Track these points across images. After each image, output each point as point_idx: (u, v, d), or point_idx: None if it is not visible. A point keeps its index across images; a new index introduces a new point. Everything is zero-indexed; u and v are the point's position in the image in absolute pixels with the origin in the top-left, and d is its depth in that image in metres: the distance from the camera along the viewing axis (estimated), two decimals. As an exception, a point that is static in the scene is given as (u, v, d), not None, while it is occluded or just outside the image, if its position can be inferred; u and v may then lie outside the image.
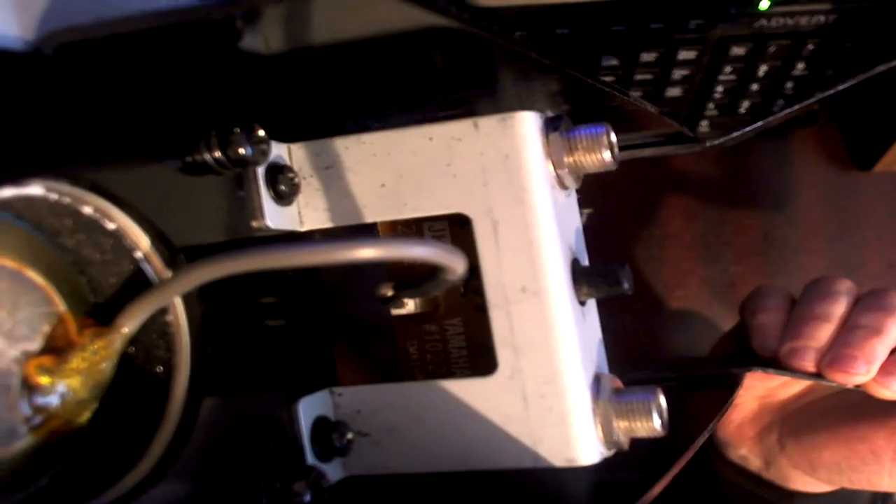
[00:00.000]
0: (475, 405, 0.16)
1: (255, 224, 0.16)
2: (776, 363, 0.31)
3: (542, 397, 0.16)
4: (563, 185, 0.18)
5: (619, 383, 0.18)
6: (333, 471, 0.18)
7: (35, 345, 0.14)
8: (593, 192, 0.25)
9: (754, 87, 0.42)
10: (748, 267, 0.47)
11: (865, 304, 0.31)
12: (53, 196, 0.13)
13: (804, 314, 0.31)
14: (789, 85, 0.42)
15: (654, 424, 0.17)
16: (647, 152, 0.33)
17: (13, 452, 0.13)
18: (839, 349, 0.29)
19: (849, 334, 0.30)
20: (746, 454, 0.37)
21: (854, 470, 0.33)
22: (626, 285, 0.17)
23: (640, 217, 0.47)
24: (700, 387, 0.29)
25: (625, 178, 0.47)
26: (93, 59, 0.14)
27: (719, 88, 0.42)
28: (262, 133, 0.16)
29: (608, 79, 0.41)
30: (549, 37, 0.39)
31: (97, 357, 0.14)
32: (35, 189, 0.13)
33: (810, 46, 0.40)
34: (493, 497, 0.17)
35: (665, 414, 0.17)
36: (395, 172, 0.17)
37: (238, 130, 0.15)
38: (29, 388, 0.13)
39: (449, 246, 0.15)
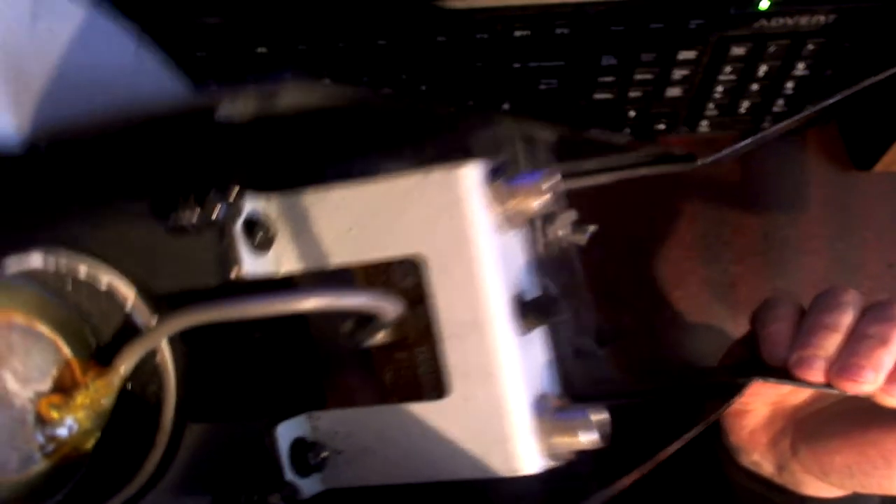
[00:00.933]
0: (434, 425, 0.18)
1: (233, 274, 0.18)
2: (785, 372, 0.31)
3: (489, 417, 0.18)
4: (508, 227, 0.19)
5: (560, 402, 0.20)
6: (312, 484, 0.19)
7: (46, 385, 0.16)
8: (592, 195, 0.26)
9: (754, 87, 0.42)
10: (748, 267, 0.47)
11: (872, 315, 0.31)
12: (51, 267, 0.15)
13: (813, 324, 0.31)
14: (789, 85, 0.42)
15: (591, 440, 0.18)
16: (642, 171, 0.34)
17: (30, 475, 0.15)
18: (847, 359, 0.30)
19: (856, 344, 0.30)
20: (759, 460, 0.37)
21: (865, 474, 0.33)
22: (563, 315, 0.19)
23: (640, 217, 0.47)
24: (711, 396, 0.29)
25: (623, 182, 0.47)
26: (82, 150, 0.15)
27: (719, 88, 0.43)
28: (236, 192, 0.18)
29: (607, 79, 0.42)
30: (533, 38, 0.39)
31: (98, 394, 0.16)
32: (35, 262, 0.15)
33: (810, 46, 0.40)
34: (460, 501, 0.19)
35: (606, 428, 0.19)
36: (357, 220, 0.19)
37: (213, 192, 0.17)
38: (42, 422, 0.16)
39: (379, 294, 0.17)
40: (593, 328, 0.28)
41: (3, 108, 0.14)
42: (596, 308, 0.30)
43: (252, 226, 0.18)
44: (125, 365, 0.16)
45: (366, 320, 0.19)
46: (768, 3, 0.38)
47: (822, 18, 0.39)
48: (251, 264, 0.18)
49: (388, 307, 0.18)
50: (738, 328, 0.46)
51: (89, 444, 0.16)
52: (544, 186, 0.19)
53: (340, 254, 0.19)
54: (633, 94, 0.42)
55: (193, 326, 0.16)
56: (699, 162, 0.30)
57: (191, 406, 0.18)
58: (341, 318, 0.19)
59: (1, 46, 0.15)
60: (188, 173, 0.17)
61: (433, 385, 0.19)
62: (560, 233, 0.27)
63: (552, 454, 0.18)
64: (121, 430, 0.16)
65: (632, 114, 0.44)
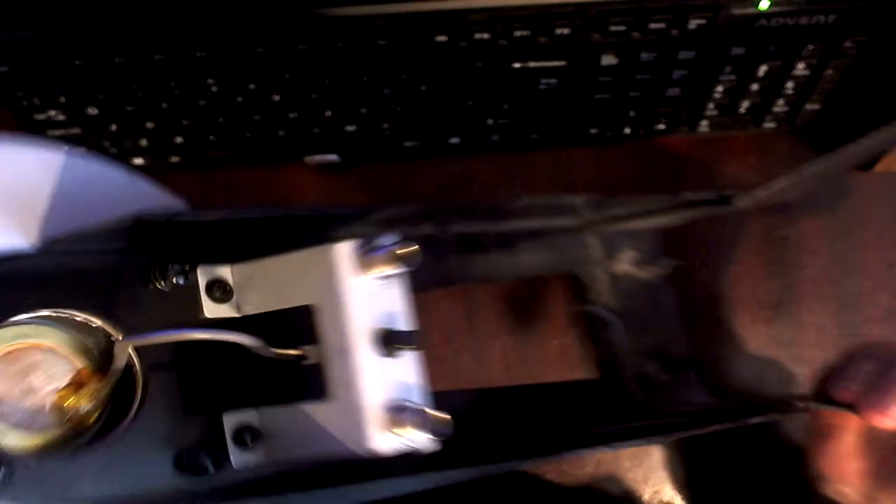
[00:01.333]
0: (323, 420, 0.25)
1: (200, 316, 0.27)
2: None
3: (352, 414, 0.24)
4: (380, 280, 0.26)
5: (416, 407, 0.25)
6: (249, 457, 0.27)
7: (62, 384, 0.24)
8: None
9: (754, 87, 0.42)
10: (748, 267, 0.47)
11: None
12: (56, 315, 0.24)
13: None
14: (789, 85, 0.42)
15: (426, 437, 0.24)
16: (679, 218, 0.36)
17: (53, 438, 0.23)
18: None
19: None
20: (845, 489, 0.36)
21: None
22: (415, 346, 0.25)
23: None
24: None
25: (623, 183, 0.47)
26: (85, 251, 0.25)
27: (719, 88, 0.43)
28: (187, 268, 0.27)
29: (607, 79, 0.42)
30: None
31: (100, 389, 0.24)
32: (45, 313, 0.24)
33: (810, 46, 0.40)
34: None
35: (442, 429, 0.24)
36: (282, 279, 0.27)
37: (172, 268, 0.26)
38: (59, 407, 0.23)
39: (243, 334, 0.25)
40: (670, 354, 0.33)
41: (16, 233, 0.23)
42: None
43: (213, 286, 0.27)
44: (115, 372, 0.24)
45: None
46: (768, 3, 0.38)
47: (822, 18, 0.39)
48: (212, 311, 0.27)
49: (253, 341, 0.25)
50: (740, 328, 0.46)
51: (92, 419, 0.24)
52: (396, 254, 0.24)
53: (274, 302, 0.27)
54: (633, 94, 0.42)
55: (146, 344, 0.24)
56: (736, 204, 0.33)
57: (158, 397, 0.26)
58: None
59: (21, 193, 0.24)
60: (164, 257, 0.26)
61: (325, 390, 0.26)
62: (626, 268, 0.33)
63: (403, 442, 0.25)
64: (113, 409, 0.25)
65: (632, 114, 0.44)
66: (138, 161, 0.46)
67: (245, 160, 0.46)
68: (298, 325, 0.26)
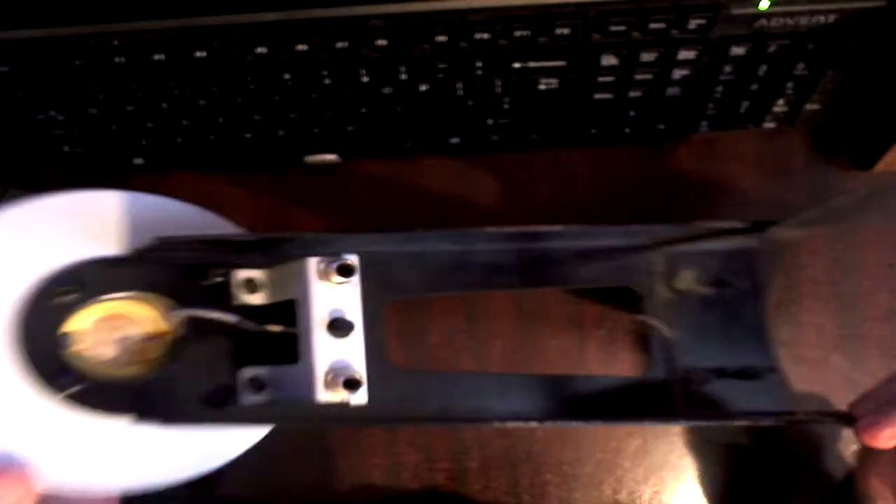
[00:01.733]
0: (297, 377, 0.32)
1: (231, 303, 0.34)
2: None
3: (309, 377, 0.31)
4: (337, 284, 0.32)
5: (347, 373, 0.31)
6: (259, 397, 0.34)
7: (140, 339, 0.32)
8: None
9: (754, 87, 0.42)
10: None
11: None
12: (137, 295, 0.33)
13: None
14: (789, 85, 0.42)
15: (355, 395, 0.31)
16: (727, 243, 0.40)
17: (135, 371, 0.31)
18: None
19: None
20: None
21: None
22: (351, 332, 0.32)
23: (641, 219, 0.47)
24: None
25: (623, 183, 0.47)
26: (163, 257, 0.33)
27: (719, 88, 0.43)
28: (224, 272, 0.34)
29: (607, 79, 0.42)
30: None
31: (163, 344, 0.33)
32: (130, 293, 0.33)
33: (810, 46, 0.40)
34: None
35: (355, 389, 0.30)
36: (282, 280, 0.34)
37: (211, 271, 0.34)
38: (139, 353, 0.32)
39: (236, 315, 0.33)
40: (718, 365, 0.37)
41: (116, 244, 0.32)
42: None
43: (248, 283, 0.35)
44: (171, 332, 0.33)
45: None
46: (768, 3, 0.38)
47: (821, 18, 0.39)
48: (245, 299, 0.34)
49: (235, 319, 0.33)
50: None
51: (158, 361, 0.32)
52: (345, 265, 0.31)
53: (279, 295, 0.34)
54: (633, 94, 0.43)
55: (184, 316, 0.33)
56: (770, 230, 0.36)
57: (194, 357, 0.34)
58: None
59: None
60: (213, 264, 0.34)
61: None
62: (684, 287, 0.38)
63: (340, 397, 0.31)
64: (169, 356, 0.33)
65: (632, 114, 0.44)
66: (138, 161, 0.46)
67: (245, 160, 0.46)
68: (292, 312, 0.33)
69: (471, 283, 0.37)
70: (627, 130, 0.45)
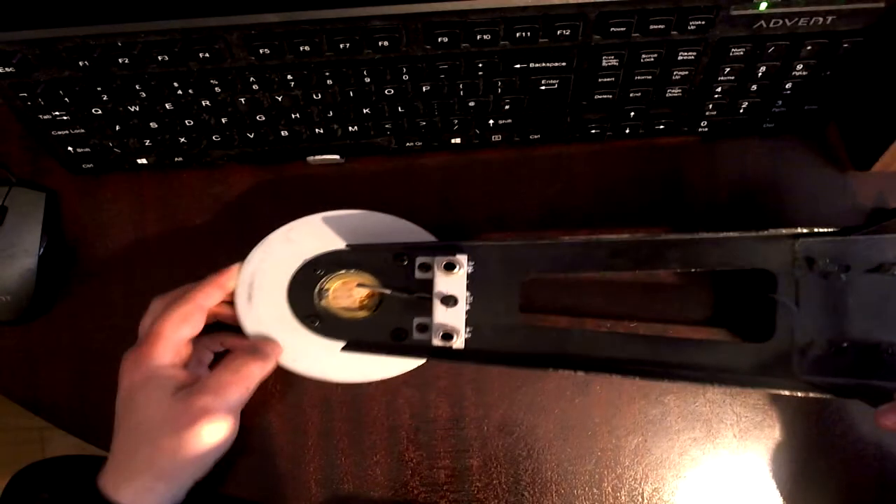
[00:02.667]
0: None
1: (410, 278, 0.44)
2: None
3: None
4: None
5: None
6: (424, 336, 0.44)
7: (363, 296, 0.44)
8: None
9: (753, 87, 0.43)
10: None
11: None
12: (356, 272, 0.44)
13: None
14: (788, 85, 0.43)
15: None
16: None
17: (360, 315, 0.44)
18: None
19: None
20: None
21: None
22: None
23: (641, 218, 0.47)
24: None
25: (623, 182, 0.48)
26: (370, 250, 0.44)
27: (719, 88, 0.43)
28: (408, 259, 0.44)
29: (607, 79, 0.42)
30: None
31: (373, 299, 0.44)
32: (352, 270, 0.44)
33: (809, 47, 0.40)
34: None
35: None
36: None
37: (399, 255, 0.44)
38: (362, 303, 0.44)
39: (389, 288, 0.44)
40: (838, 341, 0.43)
41: (341, 244, 0.44)
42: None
43: (423, 265, 0.43)
44: (376, 293, 0.44)
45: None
46: (767, 4, 0.38)
47: (820, 20, 0.39)
48: (419, 275, 0.43)
49: (396, 291, 0.44)
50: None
51: (371, 309, 0.44)
52: (445, 264, 0.42)
53: (431, 276, 0.43)
54: (633, 94, 0.43)
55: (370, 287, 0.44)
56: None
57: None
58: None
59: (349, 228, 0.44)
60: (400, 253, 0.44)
61: None
62: (818, 269, 0.42)
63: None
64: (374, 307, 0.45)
65: (632, 114, 0.44)
66: (142, 161, 0.46)
67: (248, 160, 0.46)
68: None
69: (597, 266, 0.43)
70: (627, 130, 0.45)
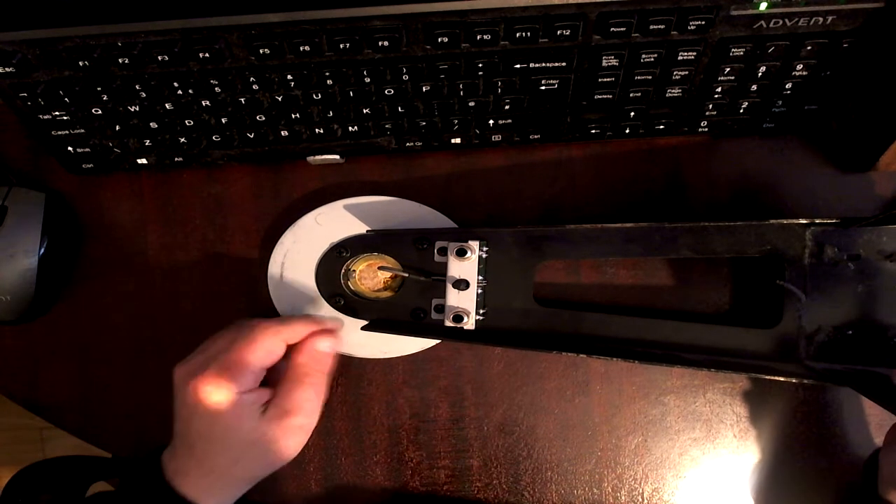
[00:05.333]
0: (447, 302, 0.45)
1: (430, 260, 0.45)
2: None
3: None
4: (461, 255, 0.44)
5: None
6: (439, 317, 0.45)
7: (387, 277, 0.47)
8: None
9: (753, 87, 0.43)
10: (747, 266, 0.48)
11: None
12: (381, 255, 0.46)
13: None
14: (788, 85, 0.43)
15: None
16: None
17: (384, 295, 0.47)
18: None
19: None
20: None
21: None
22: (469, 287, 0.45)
23: (641, 218, 0.47)
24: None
25: (623, 182, 0.48)
26: (392, 234, 0.46)
27: (719, 88, 0.43)
28: (433, 245, 0.45)
29: (607, 79, 0.42)
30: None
31: (396, 280, 0.46)
32: (376, 254, 0.46)
33: (809, 47, 0.40)
34: None
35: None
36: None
37: (416, 241, 0.45)
38: (385, 283, 0.47)
39: (410, 269, 0.46)
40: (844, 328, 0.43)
41: (363, 227, 0.46)
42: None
43: (441, 249, 0.45)
44: (398, 276, 0.46)
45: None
46: (767, 4, 0.38)
47: (820, 20, 0.39)
48: (437, 258, 0.45)
49: (406, 273, 0.45)
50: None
51: (394, 290, 0.46)
52: (458, 249, 0.44)
53: (446, 259, 0.45)
54: (633, 94, 0.43)
55: (391, 269, 0.46)
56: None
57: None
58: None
59: (373, 214, 0.47)
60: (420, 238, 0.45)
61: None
62: (828, 258, 0.43)
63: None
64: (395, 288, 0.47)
65: (632, 114, 0.44)
66: (142, 161, 0.46)
67: (248, 160, 0.46)
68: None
69: (610, 252, 0.44)
70: (627, 130, 0.45)
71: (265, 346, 0.39)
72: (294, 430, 0.39)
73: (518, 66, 0.41)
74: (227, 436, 0.38)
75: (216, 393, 0.38)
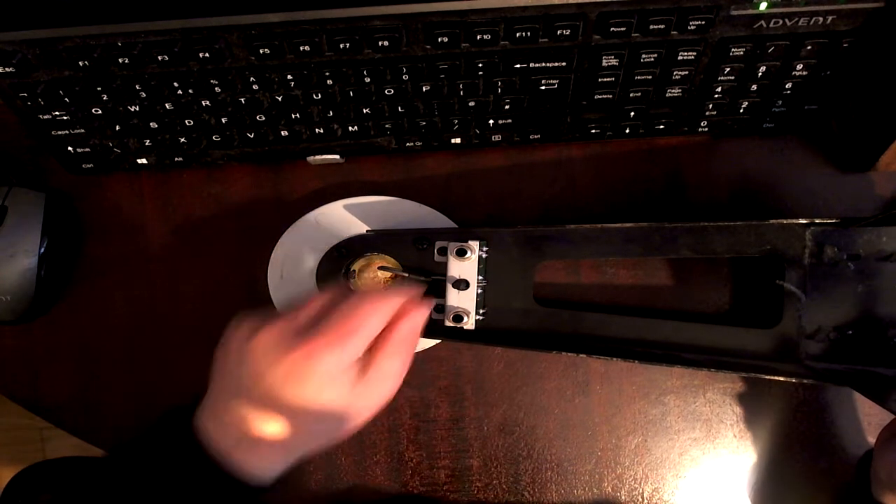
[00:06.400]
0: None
1: (430, 261, 0.45)
2: None
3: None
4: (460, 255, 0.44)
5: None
6: (440, 315, 0.45)
7: (387, 276, 0.46)
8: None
9: (753, 87, 0.43)
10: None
11: None
12: (381, 254, 0.46)
13: None
14: (788, 85, 0.43)
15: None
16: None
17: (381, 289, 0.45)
18: None
19: None
20: (886, 501, 0.39)
21: None
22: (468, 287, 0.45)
23: (641, 218, 0.47)
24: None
25: (623, 182, 0.48)
26: (392, 235, 0.46)
27: (719, 88, 0.43)
28: (436, 245, 0.45)
29: (608, 79, 0.42)
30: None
31: (395, 278, 0.45)
32: (376, 253, 0.46)
33: (809, 47, 0.40)
34: None
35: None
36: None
37: (425, 244, 0.45)
38: (385, 281, 0.46)
39: (412, 271, 0.46)
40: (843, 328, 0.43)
41: (364, 227, 0.47)
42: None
43: (441, 249, 0.45)
44: (398, 274, 0.45)
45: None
46: (767, 4, 0.38)
47: (820, 19, 0.39)
48: (437, 258, 0.45)
49: (406, 273, 0.45)
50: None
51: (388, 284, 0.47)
52: (457, 250, 0.44)
53: (445, 259, 0.45)
54: (633, 94, 0.43)
55: (393, 270, 0.46)
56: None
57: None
58: None
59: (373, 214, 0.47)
60: (419, 238, 0.46)
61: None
62: (827, 258, 0.43)
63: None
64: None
65: (632, 114, 0.44)
66: (142, 161, 0.46)
67: (248, 160, 0.46)
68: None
69: (610, 252, 0.44)
70: (627, 130, 0.45)
71: (380, 316, 0.36)
72: (375, 406, 0.37)
73: (518, 66, 0.41)
74: (311, 406, 0.35)
75: (325, 362, 0.34)
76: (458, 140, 0.45)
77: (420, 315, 0.38)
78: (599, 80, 0.42)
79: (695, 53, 0.40)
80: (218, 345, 0.37)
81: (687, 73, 0.42)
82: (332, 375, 0.35)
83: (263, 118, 0.43)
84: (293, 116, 0.43)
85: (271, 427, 0.35)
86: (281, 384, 0.34)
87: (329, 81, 0.41)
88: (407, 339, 0.38)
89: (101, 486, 0.37)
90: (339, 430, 0.36)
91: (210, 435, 0.35)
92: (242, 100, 0.42)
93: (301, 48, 0.39)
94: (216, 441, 0.35)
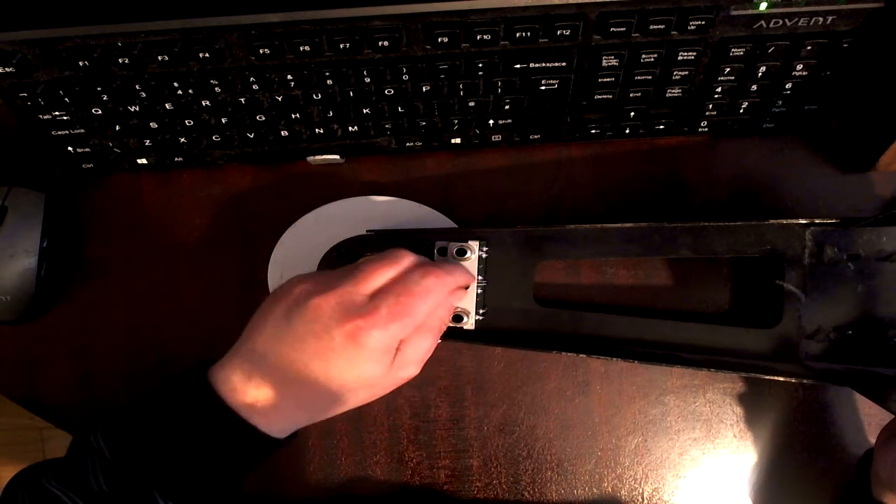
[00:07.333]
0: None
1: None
2: None
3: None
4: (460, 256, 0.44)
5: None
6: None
7: None
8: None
9: (753, 87, 0.43)
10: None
11: None
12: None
13: None
14: (788, 85, 0.43)
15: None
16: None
17: None
18: None
19: None
20: (886, 501, 0.39)
21: None
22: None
23: (641, 218, 0.47)
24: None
25: (623, 182, 0.48)
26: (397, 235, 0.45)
27: (719, 88, 0.43)
28: (437, 245, 0.44)
29: (608, 79, 0.42)
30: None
31: None
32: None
33: (809, 47, 0.40)
34: None
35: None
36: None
37: (425, 245, 0.44)
38: None
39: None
40: (842, 328, 0.43)
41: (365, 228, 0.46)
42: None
43: (441, 249, 0.44)
44: None
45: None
46: (767, 4, 0.38)
47: (820, 20, 0.39)
48: (436, 258, 0.44)
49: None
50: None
51: None
52: (457, 249, 0.44)
53: (448, 260, 0.45)
54: (633, 94, 0.43)
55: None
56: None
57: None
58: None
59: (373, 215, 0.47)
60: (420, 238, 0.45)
61: None
62: (827, 258, 0.43)
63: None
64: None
65: (632, 114, 0.44)
66: (142, 161, 0.46)
67: (248, 160, 0.46)
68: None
69: (610, 252, 0.44)
70: (627, 130, 0.45)
71: (437, 298, 0.36)
72: (400, 382, 0.37)
73: (518, 66, 0.41)
74: (349, 377, 0.35)
75: (378, 338, 0.34)
76: (458, 140, 0.45)
77: (456, 299, 0.41)
78: (599, 80, 0.42)
79: (695, 53, 0.40)
80: (268, 297, 0.37)
81: (687, 73, 0.42)
82: (380, 351, 0.35)
83: (263, 118, 0.43)
84: (293, 116, 0.43)
85: (303, 389, 0.35)
86: (326, 351, 0.34)
87: (329, 81, 0.41)
88: (441, 322, 0.39)
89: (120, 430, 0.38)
90: (363, 401, 0.37)
91: (234, 385, 0.35)
92: (242, 100, 0.42)
93: (301, 48, 0.39)
94: (240, 393, 0.35)
